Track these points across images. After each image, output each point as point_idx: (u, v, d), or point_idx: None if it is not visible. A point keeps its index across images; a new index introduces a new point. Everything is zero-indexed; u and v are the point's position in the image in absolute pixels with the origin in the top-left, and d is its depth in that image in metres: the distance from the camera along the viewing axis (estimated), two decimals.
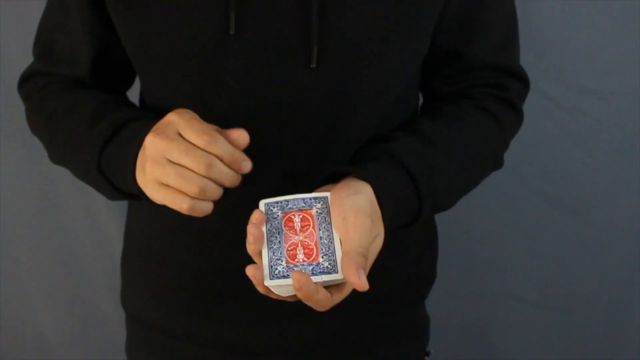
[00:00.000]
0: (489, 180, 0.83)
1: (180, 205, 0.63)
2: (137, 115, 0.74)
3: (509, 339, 1.36)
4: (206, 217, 0.67)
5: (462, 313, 1.35)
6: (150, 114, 0.75)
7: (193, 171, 0.62)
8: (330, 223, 0.64)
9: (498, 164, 0.83)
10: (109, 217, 1.29)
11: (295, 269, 0.62)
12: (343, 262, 0.61)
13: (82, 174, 0.76)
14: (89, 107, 0.76)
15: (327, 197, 0.66)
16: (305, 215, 0.66)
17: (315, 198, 0.66)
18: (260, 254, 0.64)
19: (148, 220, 0.82)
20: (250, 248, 0.63)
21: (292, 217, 0.66)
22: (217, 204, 0.64)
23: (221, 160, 0.62)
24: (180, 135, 0.63)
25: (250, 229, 0.63)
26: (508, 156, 0.84)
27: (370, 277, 0.81)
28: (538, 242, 1.28)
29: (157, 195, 0.64)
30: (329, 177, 0.69)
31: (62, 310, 1.37)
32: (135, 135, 0.68)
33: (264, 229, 0.65)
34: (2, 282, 1.33)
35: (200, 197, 0.62)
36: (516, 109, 0.82)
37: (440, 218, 0.92)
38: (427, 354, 0.93)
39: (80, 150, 0.74)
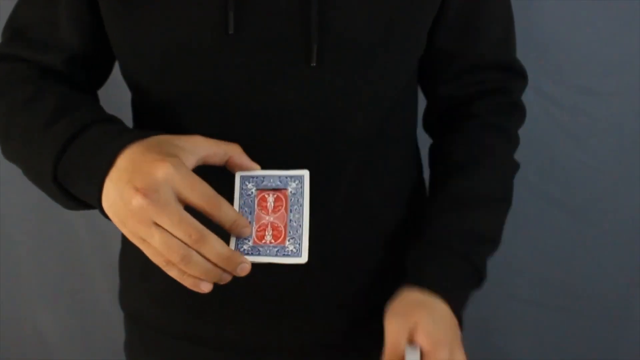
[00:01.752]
0: None
1: (161, 265, 0.61)
2: (99, 117, 0.68)
3: (509, 339, 1.35)
4: (205, 216, 0.67)
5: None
6: (115, 117, 0.70)
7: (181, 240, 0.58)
8: (302, 205, 0.64)
9: (516, 169, 0.85)
10: None
11: (261, 249, 0.62)
12: None
13: (35, 179, 0.70)
14: (49, 102, 0.69)
15: (303, 175, 0.65)
16: (279, 195, 0.65)
17: (291, 177, 0.65)
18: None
19: None
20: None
21: (266, 196, 0.65)
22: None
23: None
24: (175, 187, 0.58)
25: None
26: None
27: (371, 277, 0.81)
28: (538, 242, 1.27)
29: (136, 243, 0.61)
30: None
31: (62, 310, 1.37)
32: (101, 147, 0.62)
33: (236, 203, 0.64)
34: (2, 282, 1.33)
35: (184, 268, 0.59)
36: (520, 107, 0.85)
37: None
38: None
39: (34, 152, 0.68)
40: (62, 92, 0.71)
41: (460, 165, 0.80)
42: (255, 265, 0.75)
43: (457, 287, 0.74)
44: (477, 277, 0.78)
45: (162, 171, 0.57)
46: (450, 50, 0.79)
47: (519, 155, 0.87)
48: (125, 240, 0.88)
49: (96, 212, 1.35)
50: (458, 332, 0.70)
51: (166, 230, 0.58)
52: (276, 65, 0.69)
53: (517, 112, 0.85)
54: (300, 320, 0.79)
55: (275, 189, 0.65)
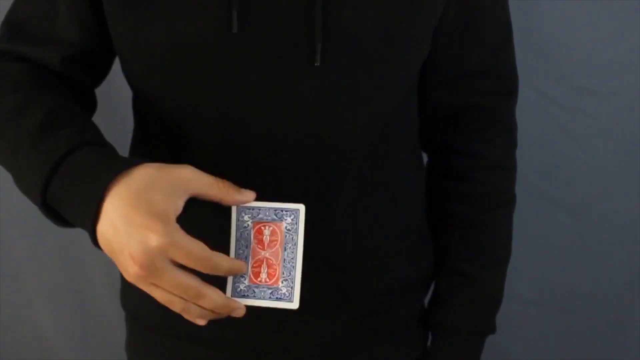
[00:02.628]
0: None
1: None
2: (83, 139, 0.66)
3: (509, 339, 1.35)
4: (206, 217, 0.67)
5: None
6: (97, 136, 0.69)
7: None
8: (296, 244, 0.65)
9: (513, 200, 0.91)
10: None
11: (256, 290, 0.64)
12: None
13: (25, 194, 0.70)
14: (35, 116, 0.68)
15: (298, 210, 0.65)
16: (275, 228, 0.66)
17: (286, 210, 0.66)
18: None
19: None
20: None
21: (262, 229, 0.66)
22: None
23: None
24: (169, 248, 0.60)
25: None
26: None
27: (371, 276, 0.81)
28: (538, 242, 1.27)
29: (151, 292, 0.64)
30: None
31: (62, 310, 1.36)
32: (93, 179, 0.62)
33: (233, 235, 0.66)
34: (2, 282, 1.33)
35: (184, 315, 0.64)
36: (509, 129, 0.87)
37: None
38: (429, 352, 0.93)
39: (22, 170, 0.68)
40: (51, 105, 0.69)
41: (467, 248, 0.87)
42: None
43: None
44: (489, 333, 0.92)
45: (156, 241, 0.59)
46: (445, 56, 0.79)
47: (519, 155, 0.87)
48: None
49: None
50: None
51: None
52: (279, 64, 0.68)
53: (507, 134, 0.87)
54: (301, 321, 0.79)
55: (271, 222, 0.66)
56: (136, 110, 0.82)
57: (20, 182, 0.70)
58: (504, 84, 0.84)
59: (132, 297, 0.87)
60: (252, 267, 0.65)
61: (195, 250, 0.60)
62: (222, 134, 0.71)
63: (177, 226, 0.60)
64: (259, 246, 0.65)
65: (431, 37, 0.76)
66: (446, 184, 0.88)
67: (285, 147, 0.71)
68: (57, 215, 0.68)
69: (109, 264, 1.27)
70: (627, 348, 1.30)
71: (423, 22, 0.73)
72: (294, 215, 0.65)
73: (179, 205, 0.62)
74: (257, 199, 0.66)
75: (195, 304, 0.62)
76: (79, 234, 1.31)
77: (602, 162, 1.20)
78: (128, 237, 0.60)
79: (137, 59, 0.72)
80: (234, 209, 0.66)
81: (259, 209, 0.66)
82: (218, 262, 0.61)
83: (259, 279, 0.64)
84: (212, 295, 0.62)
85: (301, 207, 0.65)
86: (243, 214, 0.66)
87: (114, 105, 0.96)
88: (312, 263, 0.72)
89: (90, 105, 0.80)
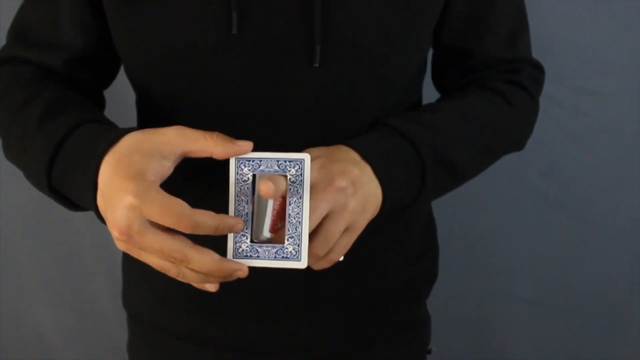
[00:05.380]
0: (489, 179, 0.83)
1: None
2: (81, 119, 0.66)
3: (509, 339, 1.36)
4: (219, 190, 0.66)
5: (462, 313, 1.35)
6: (101, 116, 0.70)
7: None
8: (302, 197, 0.59)
9: (515, 144, 0.81)
10: None
11: (259, 249, 0.59)
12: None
13: (35, 185, 0.69)
14: (37, 107, 0.68)
15: (303, 160, 0.60)
16: None
17: (290, 160, 0.60)
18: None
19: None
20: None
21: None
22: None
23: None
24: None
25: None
26: (508, 156, 0.84)
27: (371, 276, 0.81)
28: (538, 242, 1.28)
29: (144, 260, 0.60)
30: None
31: (62, 310, 1.37)
32: (87, 155, 0.61)
33: (232, 190, 0.60)
34: (2, 282, 1.33)
35: (181, 280, 0.60)
36: (526, 90, 0.81)
37: (440, 217, 0.92)
38: (429, 352, 0.93)
39: (27, 161, 0.68)
40: (53, 95, 0.70)
41: (444, 98, 0.78)
42: (257, 269, 0.75)
43: (392, 162, 0.67)
44: (419, 167, 0.69)
45: (128, 200, 0.56)
46: (457, 47, 0.79)
47: (519, 155, 0.87)
48: None
49: None
50: (373, 202, 0.64)
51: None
52: (279, 65, 0.68)
53: (522, 91, 0.80)
54: (304, 321, 0.79)
55: (273, 174, 0.60)
56: (139, 110, 0.82)
57: (29, 174, 0.69)
58: (523, 66, 0.82)
59: (133, 297, 0.87)
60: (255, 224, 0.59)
61: (172, 208, 0.55)
62: (222, 134, 0.71)
63: (154, 184, 0.57)
64: None
65: (432, 34, 0.76)
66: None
67: (283, 148, 0.71)
68: (68, 200, 0.67)
69: (110, 264, 1.28)
70: (627, 348, 1.31)
71: (422, 21, 0.73)
72: (299, 166, 0.60)
73: (162, 166, 0.58)
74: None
75: (187, 267, 0.58)
76: (79, 234, 1.32)
77: (602, 162, 1.20)
78: (109, 202, 0.58)
79: (137, 60, 0.72)
80: (231, 162, 0.60)
81: (260, 160, 0.60)
82: (201, 220, 0.56)
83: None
84: (200, 258, 0.57)
85: (306, 157, 0.60)
86: (242, 166, 0.60)
87: (119, 106, 0.96)
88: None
89: (98, 106, 0.81)
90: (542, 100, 0.80)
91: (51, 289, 1.35)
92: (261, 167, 0.60)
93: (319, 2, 0.66)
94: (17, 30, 0.77)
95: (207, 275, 0.59)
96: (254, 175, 0.61)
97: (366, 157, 0.66)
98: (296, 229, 0.59)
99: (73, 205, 0.68)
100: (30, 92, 0.71)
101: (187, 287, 0.80)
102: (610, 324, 1.30)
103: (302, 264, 0.59)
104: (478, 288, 1.33)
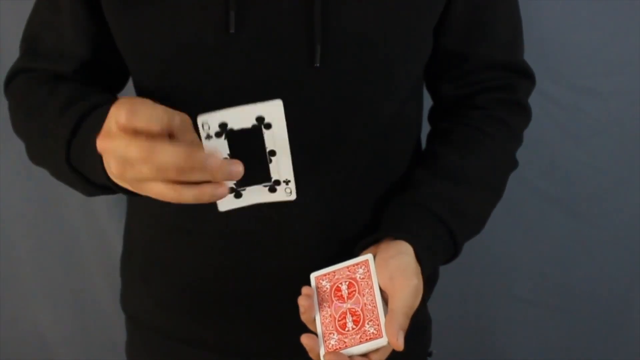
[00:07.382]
0: None
1: (179, 197, 0.55)
2: (104, 100, 0.68)
3: (509, 339, 1.36)
4: (207, 220, 0.67)
5: (462, 313, 1.35)
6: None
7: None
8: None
9: (514, 166, 0.85)
10: (109, 217, 1.29)
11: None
12: (387, 321, 0.64)
13: (56, 172, 0.71)
14: (61, 96, 0.71)
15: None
16: (351, 281, 0.69)
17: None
18: (313, 321, 0.68)
19: (148, 222, 0.81)
20: (304, 317, 0.68)
21: (340, 285, 0.69)
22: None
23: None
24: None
25: (301, 301, 0.67)
26: None
27: None
28: (538, 242, 1.27)
29: (145, 192, 0.57)
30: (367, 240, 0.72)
31: (62, 310, 1.37)
32: (95, 126, 0.61)
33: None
34: (2, 282, 1.33)
35: (182, 178, 0.54)
36: (524, 107, 0.84)
37: None
38: (430, 354, 0.93)
39: (50, 144, 0.70)
40: (72, 86, 0.74)
41: (458, 145, 0.79)
42: (255, 273, 0.75)
43: (429, 247, 0.71)
44: (452, 246, 0.75)
45: (110, 115, 0.55)
46: (456, 51, 0.79)
47: (519, 155, 0.87)
48: (127, 242, 0.88)
49: (96, 212, 1.36)
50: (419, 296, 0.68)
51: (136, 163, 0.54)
52: (278, 65, 0.68)
53: (521, 112, 0.84)
54: (301, 323, 0.79)
55: (346, 278, 0.70)
56: None
57: (54, 170, 0.72)
58: (518, 73, 0.83)
59: (131, 299, 0.87)
60: (338, 320, 0.67)
61: (154, 111, 0.53)
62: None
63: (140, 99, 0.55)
64: (340, 301, 0.68)
65: (432, 36, 0.76)
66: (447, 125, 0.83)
67: None
68: (86, 181, 0.67)
69: (110, 265, 1.28)
70: (627, 348, 1.31)
71: (423, 22, 0.73)
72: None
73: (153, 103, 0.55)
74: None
75: (158, 161, 0.53)
76: (79, 235, 1.32)
77: (602, 162, 1.20)
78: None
79: (137, 59, 0.72)
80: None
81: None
82: (176, 117, 0.54)
83: (346, 329, 0.66)
84: (169, 148, 0.53)
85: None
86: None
87: None
88: (313, 263, 0.73)
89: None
90: (542, 100, 0.81)
91: (51, 289, 1.35)
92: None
93: (318, 2, 0.66)
94: (28, 42, 0.79)
95: (191, 170, 0.54)
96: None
97: (419, 259, 0.69)
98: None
99: (91, 186, 0.68)
100: (51, 87, 0.74)
101: (185, 290, 0.81)
102: (610, 324, 1.30)
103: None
104: (478, 288, 1.33)
